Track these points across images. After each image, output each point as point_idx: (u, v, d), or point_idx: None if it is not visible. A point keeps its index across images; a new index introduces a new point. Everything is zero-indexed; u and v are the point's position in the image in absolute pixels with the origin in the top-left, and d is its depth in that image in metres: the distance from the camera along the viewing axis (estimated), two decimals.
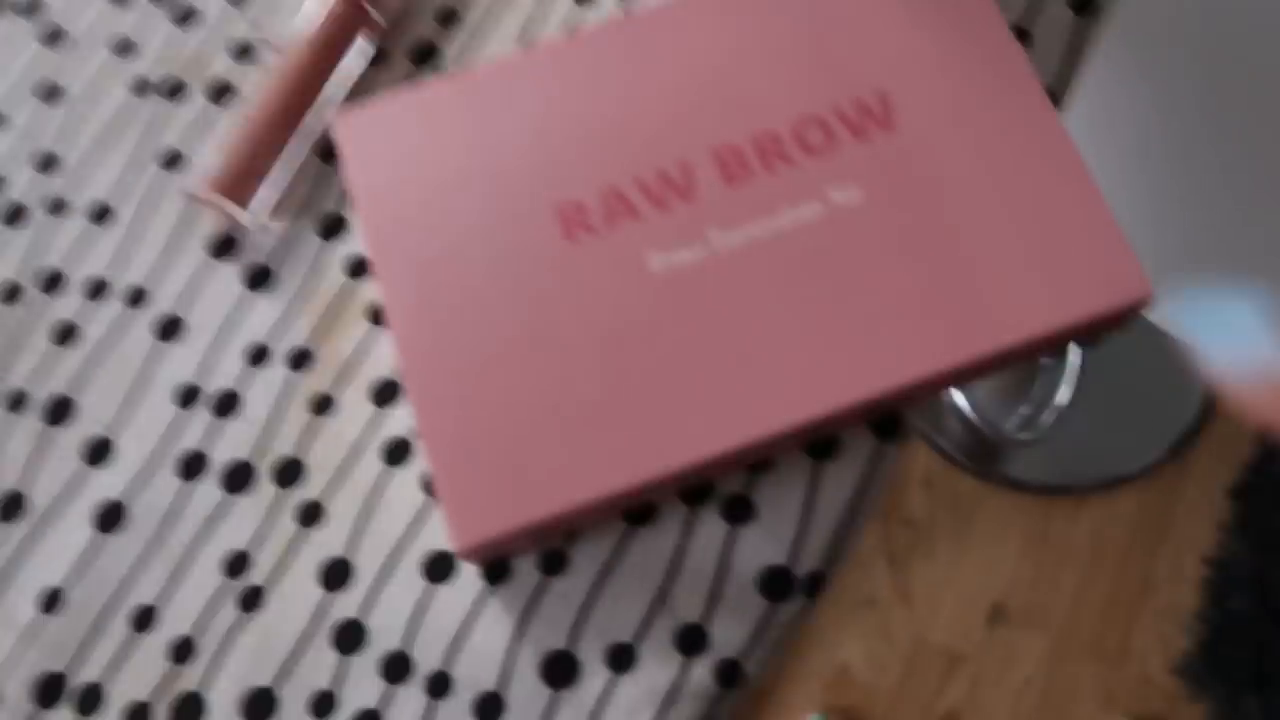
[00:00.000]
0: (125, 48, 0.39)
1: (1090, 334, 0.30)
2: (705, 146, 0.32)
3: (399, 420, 0.33)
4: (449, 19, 0.38)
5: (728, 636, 0.30)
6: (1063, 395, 1.01)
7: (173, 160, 0.37)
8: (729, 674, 0.29)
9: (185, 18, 0.39)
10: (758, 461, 0.31)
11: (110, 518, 0.33)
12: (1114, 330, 0.30)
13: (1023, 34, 0.36)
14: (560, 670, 0.30)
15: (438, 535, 0.31)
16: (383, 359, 0.34)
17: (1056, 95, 0.35)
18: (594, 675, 0.30)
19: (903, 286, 0.30)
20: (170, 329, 0.35)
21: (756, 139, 0.32)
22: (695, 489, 0.31)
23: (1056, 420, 1.06)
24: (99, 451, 0.33)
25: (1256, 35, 0.66)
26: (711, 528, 0.31)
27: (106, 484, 0.33)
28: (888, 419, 0.32)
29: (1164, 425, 1.06)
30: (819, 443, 0.31)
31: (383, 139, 0.33)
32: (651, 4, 0.35)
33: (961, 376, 0.30)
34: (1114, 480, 1.04)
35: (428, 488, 0.32)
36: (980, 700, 0.96)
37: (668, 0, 0.34)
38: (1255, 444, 1.03)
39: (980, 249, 0.30)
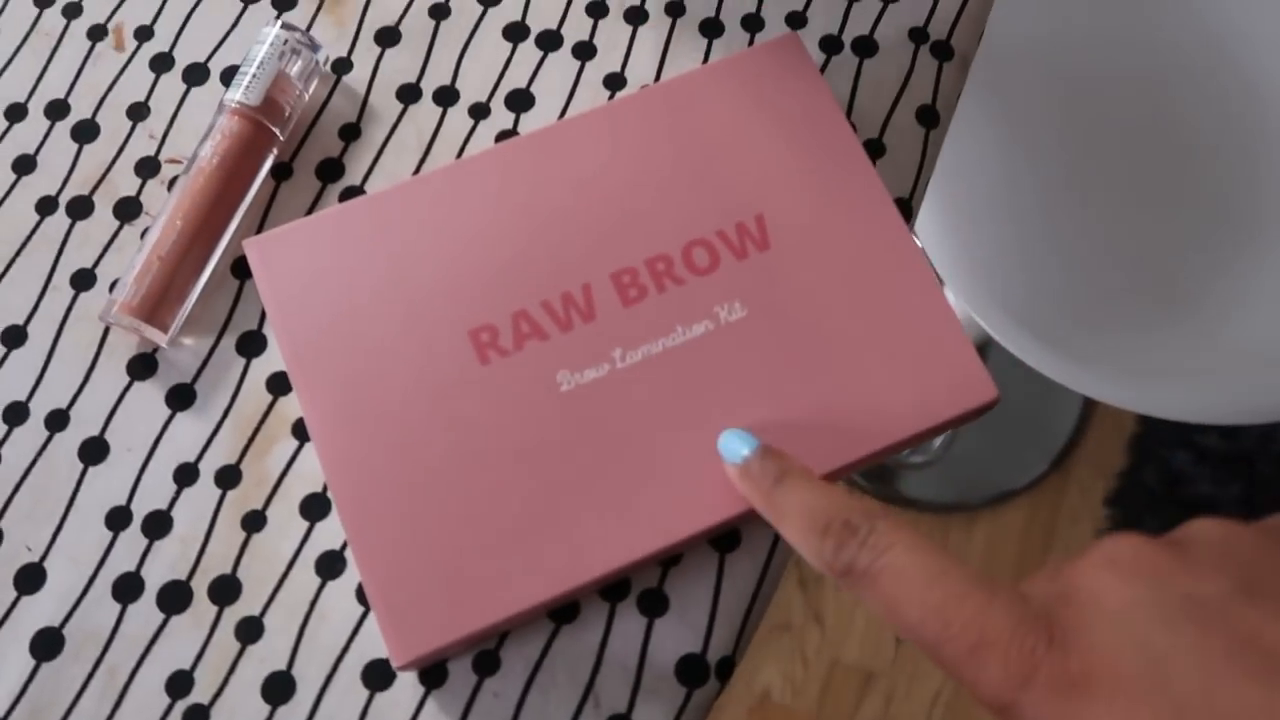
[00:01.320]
0: (26, 165, 0.40)
1: (947, 429, 0.34)
2: (604, 270, 0.35)
3: (330, 533, 0.35)
4: (350, 134, 0.40)
5: None
6: None
7: (84, 280, 0.38)
8: None
9: (85, 134, 0.40)
10: (669, 558, 0.34)
11: (48, 645, 0.33)
12: (967, 423, 0.34)
13: (879, 147, 0.40)
14: None
15: (375, 644, 0.33)
16: (310, 474, 0.35)
17: (912, 199, 0.39)
18: None
19: (784, 398, 0.33)
20: (95, 452, 0.36)
21: (650, 262, 0.35)
22: (614, 586, 0.34)
23: (946, 443, 1.12)
24: (31, 578, 0.34)
25: (1110, 89, 0.72)
26: (631, 623, 0.33)
27: (41, 611, 0.34)
28: None
29: (1045, 440, 1.13)
30: (722, 536, 0.34)
31: (294, 263, 0.35)
32: (541, 126, 0.37)
33: (841, 474, 0.33)
34: (1003, 495, 1.11)
35: (361, 597, 0.34)
36: (895, 715, 1.01)
37: (559, 123, 0.37)
38: (1125, 453, 1.11)
39: (847, 360, 0.34)
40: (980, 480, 1.12)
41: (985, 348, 1.10)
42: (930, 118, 0.40)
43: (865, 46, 0.41)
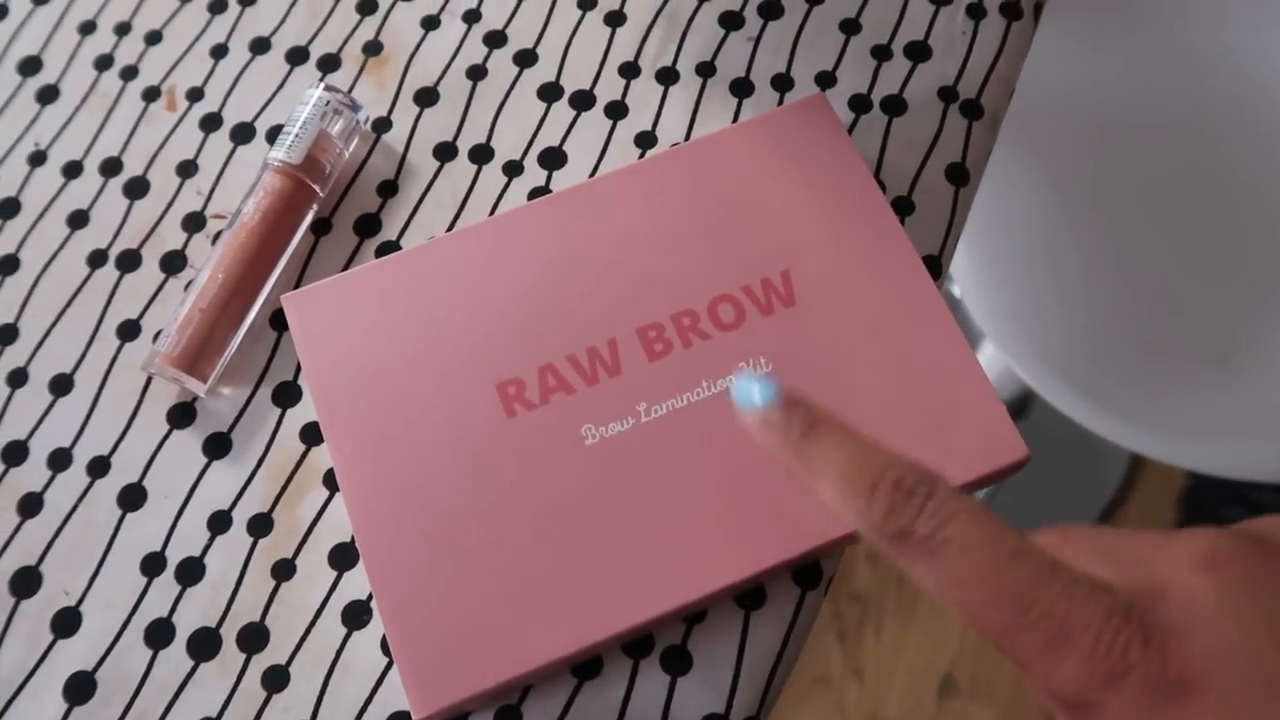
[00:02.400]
0: (80, 220, 0.42)
1: (976, 489, 0.34)
2: (630, 325, 0.35)
3: (357, 583, 0.35)
4: (388, 190, 0.41)
5: None
6: None
7: (129, 331, 0.39)
8: None
9: (136, 190, 0.42)
10: (693, 614, 0.34)
11: (81, 689, 0.34)
12: (997, 482, 0.34)
13: (908, 204, 0.40)
14: None
15: (398, 696, 0.33)
16: (339, 524, 0.36)
17: (942, 256, 0.39)
18: None
19: None
20: (133, 498, 0.37)
21: (676, 318, 0.35)
22: (637, 642, 0.34)
23: (988, 497, 1.10)
24: (67, 623, 0.35)
25: (1150, 140, 0.72)
26: (653, 680, 0.33)
27: (75, 655, 0.35)
28: (809, 568, 0.35)
29: (1091, 495, 1.11)
30: (748, 593, 0.34)
31: (329, 317, 0.36)
32: (574, 183, 0.38)
33: None
34: None
35: (386, 649, 0.34)
36: None
37: (590, 180, 0.38)
38: (1179, 509, 1.09)
39: (874, 418, 0.34)
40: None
41: (1028, 401, 1.08)
42: (960, 175, 0.40)
43: (894, 105, 0.42)
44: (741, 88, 0.42)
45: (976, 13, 0.43)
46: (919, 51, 0.43)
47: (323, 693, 0.34)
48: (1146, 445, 0.72)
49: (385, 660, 0.34)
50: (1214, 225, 0.71)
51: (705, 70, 0.43)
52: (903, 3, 0.44)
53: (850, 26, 0.43)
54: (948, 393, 0.34)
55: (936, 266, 0.39)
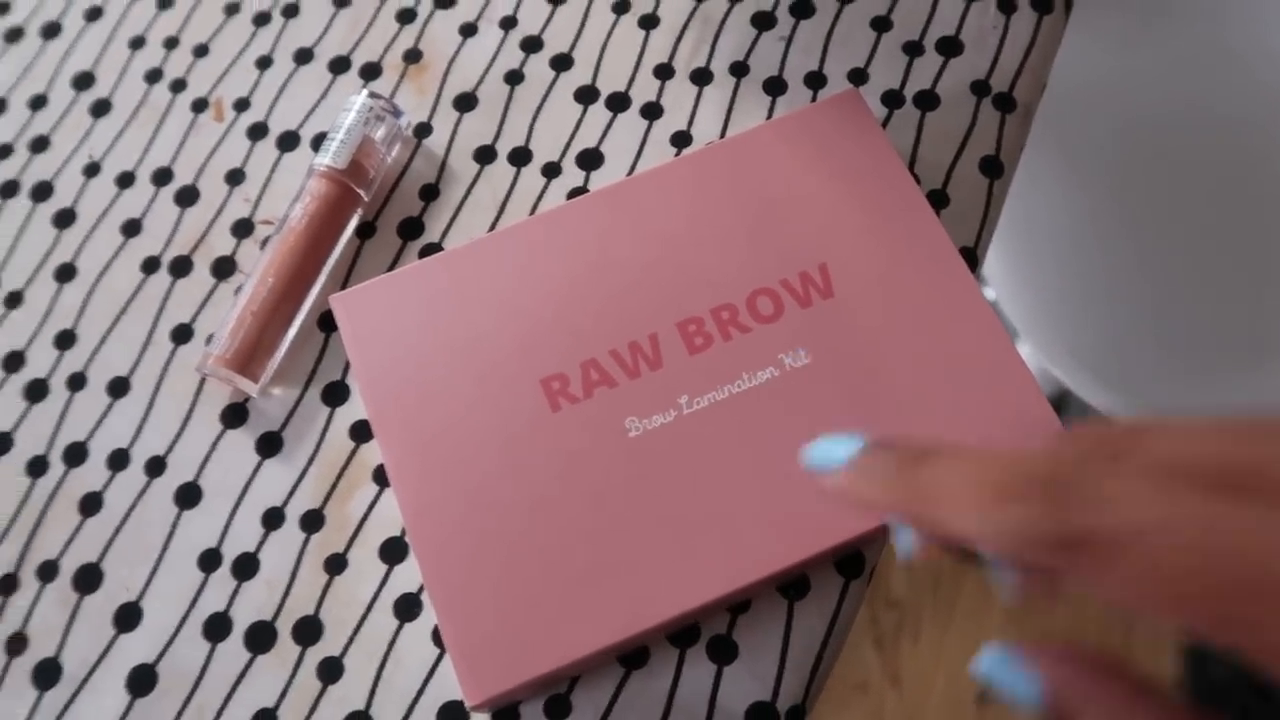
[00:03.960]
0: (133, 228, 0.43)
1: None
2: (670, 320, 0.36)
3: (407, 577, 0.36)
4: (429, 194, 0.42)
5: None
6: None
7: (182, 334, 0.41)
8: None
9: (187, 199, 0.43)
10: (737, 604, 0.34)
11: (142, 681, 0.35)
12: None
13: (943, 198, 0.40)
14: None
15: (449, 686, 0.34)
16: (389, 518, 0.37)
17: (977, 248, 0.39)
18: None
19: None
20: (189, 497, 0.38)
21: (715, 312, 0.36)
22: (683, 631, 0.34)
23: None
24: (129, 617, 0.36)
25: (1187, 134, 0.71)
26: (699, 669, 0.34)
27: (137, 648, 0.35)
28: (852, 557, 0.35)
29: None
30: (791, 583, 0.35)
31: (377, 316, 0.37)
32: (612, 182, 0.39)
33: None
34: None
35: (436, 640, 0.35)
36: None
37: (627, 179, 0.39)
38: None
39: (913, 407, 0.34)
40: None
41: (1064, 400, 1.08)
42: (994, 168, 0.41)
43: (927, 100, 0.42)
44: (775, 86, 0.43)
45: (1008, 7, 0.44)
46: (951, 46, 0.43)
47: (376, 684, 0.34)
48: None
49: (436, 652, 0.35)
50: (1248, 219, 0.70)
51: (739, 70, 0.43)
52: None
53: (881, 24, 0.44)
54: (988, 383, 0.34)
55: (972, 258, 0.39)
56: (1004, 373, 0.34)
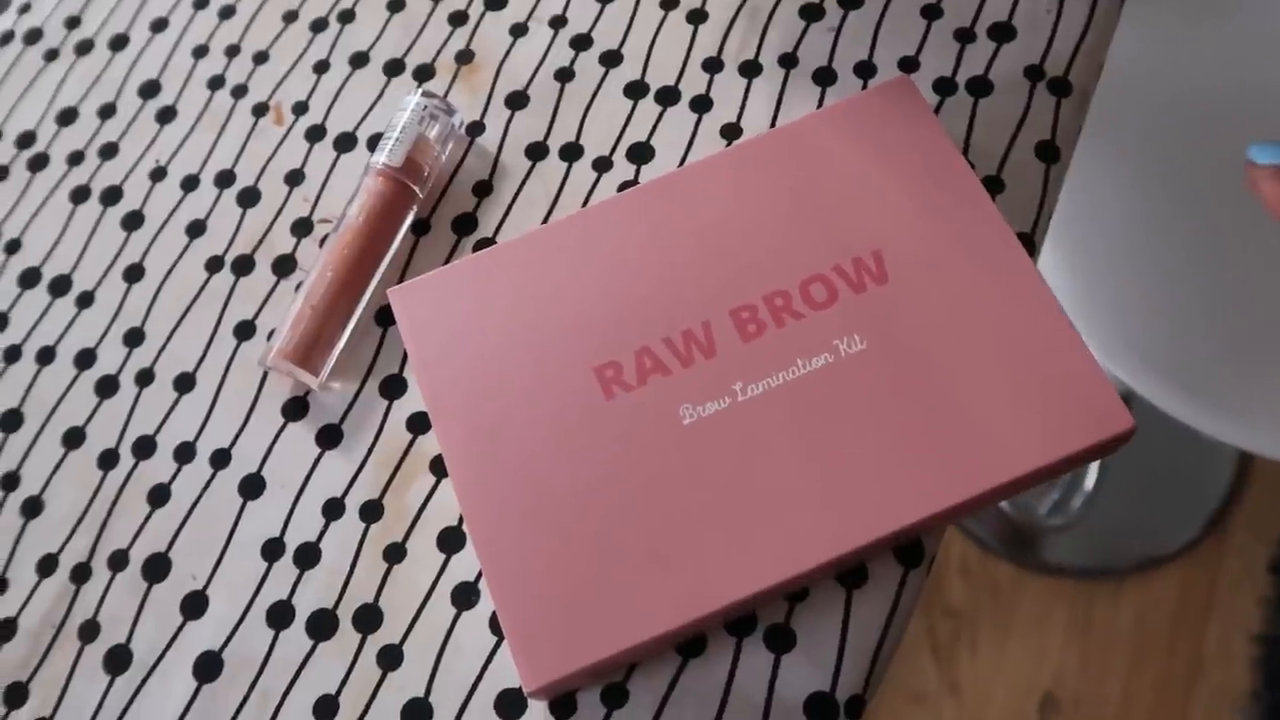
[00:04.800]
0: (198, 229, 0.44)
1: (1080, 463, 0.33)
2: (724, 307, 0.36)
3: (465, 565, 0.36)
4: (483, 190, 0.43)
5: None
6: (1090, 480, 1.02)
7: (245, 331, 0.42)
8: None
9: (249, 200, 0.44)
10: (794, 592, 0.34)
11: (208, 668, 0.36)
12: (1101, 457, 0.33)
13: (998, 183, 0.40)
14: None
15: (507, 674, 0.34)
16: (447, 508, 0.37)
17: (1033, 236, 0.39)
18: None
19: (908, 428, 0.33)
20: (253, 488, 0.39)
21: (769, 299, 0.36)
22: (740, 620, 0.34)
23: (1088, 504, 1.07)
24: (195, 605, 0.37)
25: (1224, 131, 0.70)
26: (757, 658, 0.33)
27: (203, 636, 0.36)
28: (911, 546, 0.34)
29: (1197, 501, 1.07)
30: (849, 572, 0.34)
31: (433, 309, 0.38)
32: (663, 174, 0.39)
33: (969, 508, 0.33)
34: (1153, 561, 1.04)
35: (494, 628, 0.35)
36: None
37: (678, 170, 0.39)
38: None
39: (973, 391, 0.33)
40: (1127, 544, 1.06)
41: (1125, 400, 1.05)
42: (1050, 153, 0.40)
43: (980, 86, 0.42)
44: (824, 77, 0.43)
45: None
46: (1003, 32, 0.43)
47: (435, 671, 0.35)
48: (1257, 441, 0.69)
49: (494, 640, 0.35)
50: None
51: (788, 61, 0.43)
52: None
53: (932, 11, 0.43)
54: (1049, 365, 0.34)
55: (1030, 244, 0.39)
56: (1065, 354, 0.34)
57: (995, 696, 1.01)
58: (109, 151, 0.46)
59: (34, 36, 0.50)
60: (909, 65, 0.43)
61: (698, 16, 0.45)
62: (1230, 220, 0.70)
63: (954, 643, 1.03)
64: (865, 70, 0.43)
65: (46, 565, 0.38)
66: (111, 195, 0.45)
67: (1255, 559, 1.03)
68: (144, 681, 0.36)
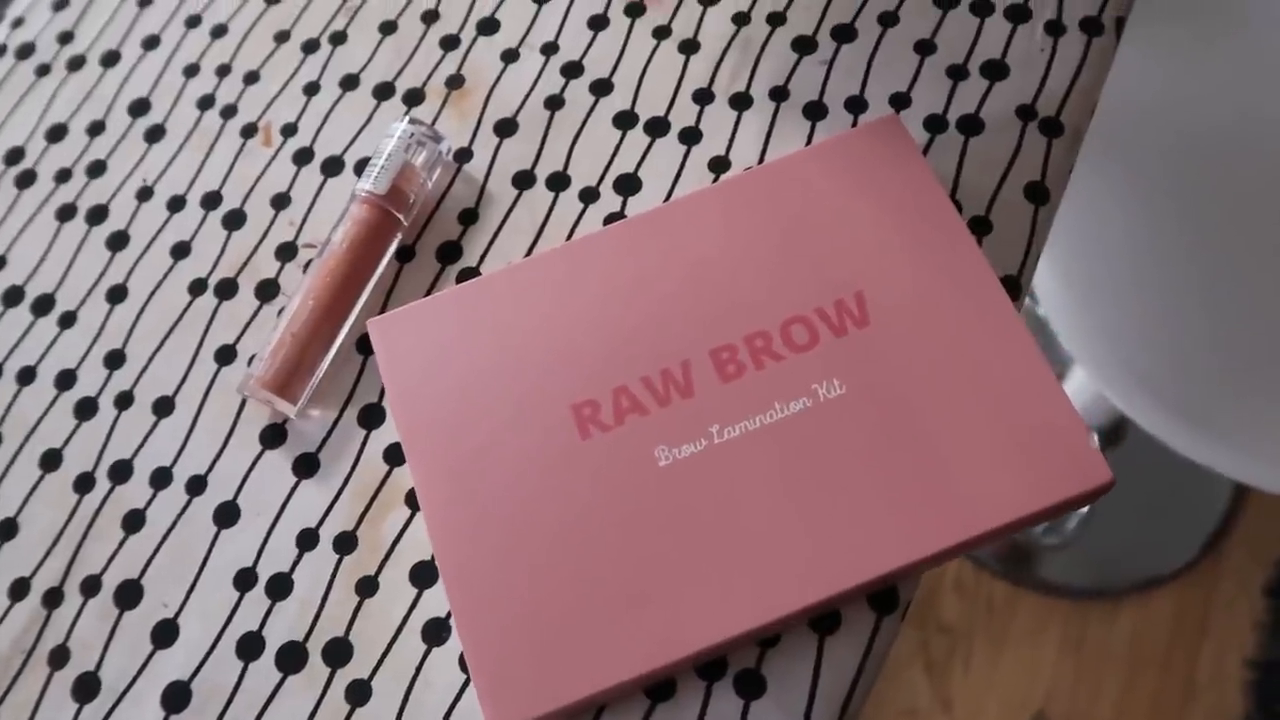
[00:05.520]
0: (182, 251, 0.44)
1: (1058, 514, 0.33)
2: (703, 347, 0.35)
3: (437, 601, 0.36)
4: (469, 219, 0.43)
5: None
6: None
7: (226, 355, 0.41)
8: None
9: (234, 222, 0.44)
10: (766, 637, 0.34)
11: (177, 698, 0.36)
12: (1079, 508, 0.33)
13: (986, 224, 0.39)
14: None
15: (476, 713, 0.34)
16: (421, 542, 0.37)
17: (1021, 276, 0.38)
18: None
19: (884, 477, 0.33)
20: (228, 516, 0.38)
21: (749, 339, 0.35)
22: (710, 664, 0.34)
23: (1084, 524, 1.06)
24: (166, 634, 0.37)
25: (1252, 147, 0.69)
26: (727, 703, 0.33)
27: (173, 665, 0.36)
28: (885, 592, 0.34)
29: (1194, 524, 1.06)
30: (822, 617, 0.34)
31: (412, 341, 0.37)
32: (649, 208, 0.39)
33: (945, 557, 0.32)
34: (1149, 581, 1.04)
35: (465, 666, 0.35)
36: None
37: (664, 205, 0.38)
38: None
39: (950, 440, 0.33)
40: (1124, 565, 1.05)
41: (1122, 428, 1.05)
42: (1040, 194, 0.40)
43: (971, 125, 0.41)
44: (815, 111, 0.42)
45: (1055, 29, 0.43)
46: (996, 70, 0.42)
47: (403, 707, 0.34)
48: (1250, 473, 0.69)
49: (464, 677, 0.35)
50: None
51: (778, 94, 0.43)
52: (979, 22, 0.43)
53: (925, 47, 0.43)
54: (1027, 415, 0.33)
55: (1016, 287, 0.38)
56: (1045, 405, 0.33)
57: (988, 713, 1.00)
58: (96, 170, 0.46)
59: (26, 51, 0.50)
60: (900, 101, 0.42)
61: (690, 46, 0.45)
62: (1230, 248, 0.69)
63: (947, 659, 1.03)
64: (856, 105, 0.42)
65: (19, 589, 0.38)
66: (98, 214, 0.45)
67: (1251, 582, 1.03)
68: (112, 710, 0.36)
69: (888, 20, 0.44)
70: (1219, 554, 1.04)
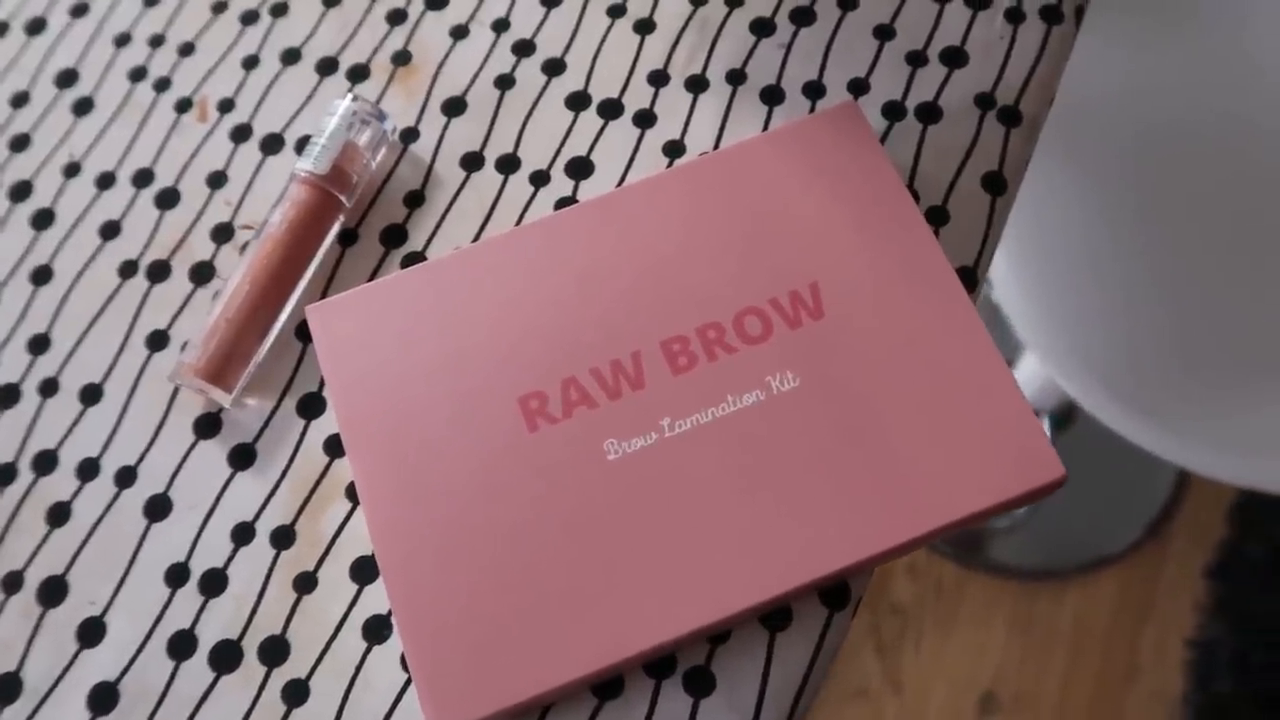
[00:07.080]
0: (112, 230, 0.42)
1: (1010, 508, 0.33)
2: (654, 338, 0.34)
3: (378, 597, 0.35)
4: (414, 201, 0.41)
5: None
6: None
7: (158, 341, 0.40)
8: None
9: (167, 201, 0.42)
10: (716, 634, 0.33)
11: (104, 699, 0.34)
12: (1032, 503, 0.33)
13: (943, 214, 0.39)
14: None
15: (418, 713, 0.33)
16: (362, 537, 0.36)
17: (977, 267, 0.38)
18: None
19: (837, 472, 0.32)
20: (159, 509, 0.37)
21: (701, 330, 0.34)
22: (659, 662, 0.33)
23: (1033, 506, 1.08)
24: (92, 632, 0.35)
25: (1206, 142, 0.70)
26: (676, 702, 0.32)
27: (100, 665, 0.35)
28: (837, 588, 0.34)
29: (1140, 506, 1.08)
30: (773, 614, 0.33)
31: (353, 329, 0.36)
32: (600, 193, 0.37)
33: (897, 553, 0.32)
34: (1095, 562, 1.06)
35: (406, 665, 0.34)
36: None
37: (616, 191, 0.37)
38: (1229, 524, 1.06)
39: (904, 435, 0.33)
40: (1071, 546, 1.07)
41: (1071, 414, 1.06)
42: (997, 184, 0.39)
43: (929, 113, 0.41)
44: (772, 95, 0.42)
45: (1015, 17, 0.42)
46: (955, 57, 0.42)
47: (342, 707, 0.33)
48: (1195, 460, 0.70)
49: (405, 676, 0.34)
50: (1264, 231, 0.68)
51: (735, 78, 0.42)
52: (939, 8, 0.43)
53: (884, 32, 0.42)
54: (981, 409, 0.33)
55: (972, 278, 0.38)
56: (999, 399, 0.33)
57: (936, 693, 1.02)
58: (20, 144, 0.44)
59: None
60: (859, 87, 0.41)
61: (646, 26, 0.43)
62: (1182, 240, 0.70)
63: (898, 640, 1.04)
64: (814, 91, 0.42)
65: None
66: (21, 191, 0.43)
67: (1192, 565, 1.05)
68: (35, 712, 0.34)
69: (847, 4, 0.43)
70: (1162, 537, 1.06)
